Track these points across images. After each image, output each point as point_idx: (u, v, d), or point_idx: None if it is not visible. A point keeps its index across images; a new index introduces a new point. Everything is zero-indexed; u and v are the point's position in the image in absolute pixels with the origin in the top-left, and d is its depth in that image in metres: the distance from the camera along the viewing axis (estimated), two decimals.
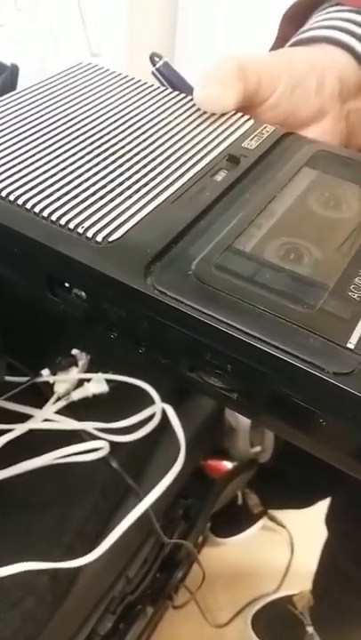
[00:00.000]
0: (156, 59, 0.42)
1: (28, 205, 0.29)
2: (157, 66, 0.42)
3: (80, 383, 0.66)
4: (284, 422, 0.27)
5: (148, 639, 0.76)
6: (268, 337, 0.24)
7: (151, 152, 0.33)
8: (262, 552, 1.17)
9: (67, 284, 0.29)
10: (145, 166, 0.32)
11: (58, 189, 0.30)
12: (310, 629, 1.04)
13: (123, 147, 0.33)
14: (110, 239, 0.28)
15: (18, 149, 0.32)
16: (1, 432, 0.61)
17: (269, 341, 0.24)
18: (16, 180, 0.30)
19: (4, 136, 0.33)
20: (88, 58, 1.51)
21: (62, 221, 0.28)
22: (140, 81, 0.39)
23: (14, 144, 0.33)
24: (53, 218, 0.28)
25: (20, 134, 0.33)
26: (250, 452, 0.87)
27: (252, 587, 1.11)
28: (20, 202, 0.29)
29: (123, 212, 0.29)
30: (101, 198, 0.30)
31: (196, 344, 0.26)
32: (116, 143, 0.33)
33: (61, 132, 0.34)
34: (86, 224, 0.28)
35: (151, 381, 0.65)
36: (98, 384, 0.66)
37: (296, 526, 1.17)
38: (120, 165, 0.32)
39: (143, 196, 0.30)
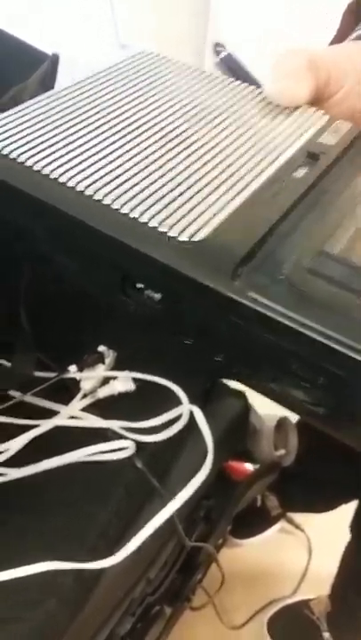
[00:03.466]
0: (220, 49, 0.40)
1: (107, 200, 0.27)
2: (221, 56, 0.41)
3: (106, 381, 0.65)
4: None
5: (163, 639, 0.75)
6: None
7: (227, 146, 0.31)
8: (280, 555, 1.16)
9: (141, 285, 0.27)
10: (222, 161, 0.30)
11: (137, 184, 0.28)
12: (326, 635, 1.02)
13: (198, 140, 0.31)
14: (195, 239, 0.26)
15: (90, 141, 0.30)
16: (27, 428, 0.61)
17: None
18: (92, 174, 0.28)
19: (78, 130, 0.31)
20: (117, 49, 1.49)
21: (143, 218, 0.26)
22: (205, 72, 0.37)
23: (87, 137, 0.31)
24: (134, 215, 0.26)
25: (92, 126, 0.32)
26: (274, 454, 0.85)
27: (269, 589, 1.09)
28: (98, 196, 0.27)
29: (205, 210, 0.27)
30: (181, 195, 0.28)
31: (284, 354, 0.24)
32: (191, 136, 0.31)
33: (134, 124, 0.32)
34: (169, 222, 0.26)
35: (178, 381, 0.64)
36: (124, 382, 0.65)
37: (314, 529, 1.16)
38: (197, 160, 0.30)
39: (224, 194, 0.28)
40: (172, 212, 0.27)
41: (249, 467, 0.94)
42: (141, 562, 0.61)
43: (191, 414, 0.63)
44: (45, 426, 0.61)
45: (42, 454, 0.58)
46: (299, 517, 1.18)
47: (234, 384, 0.75)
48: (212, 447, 0.60)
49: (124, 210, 0.27)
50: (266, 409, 0.83)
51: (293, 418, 0.88)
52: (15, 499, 0.56)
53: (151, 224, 0.26)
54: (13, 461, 0.58)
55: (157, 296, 0.27)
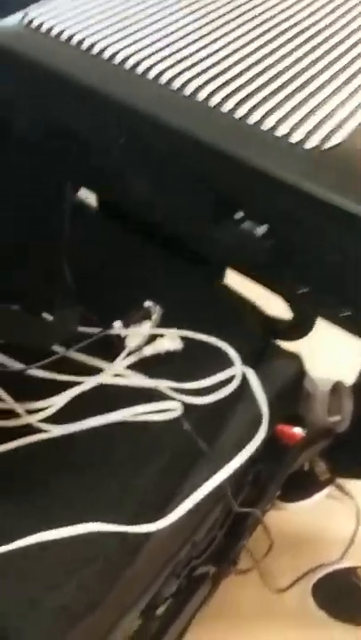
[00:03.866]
0: None
1: (201, 95, 0.20)
2: None
3: (152, 338, 0.62)
4: None
5: (207, 602, 0.74)
6: None
7: (348, 38, 0.24)
8: (327, 520, 1.13)
9: (241, 214, 0.20)
10: (346, 52, 0.23)
11: (238, 75, 0.21)
12: None
13: (319, 31, 0.24)
14: (325, 146, 0.19)
15: (187, 35, 0.24)
16: (70, 384, 0.58)
17: None
18: (178, 62, 0.22)
19: (182, 26, 0.25)
20: None
21: (252, 118, 0.19)
22: None
23: (186, 30, 0.25)
24: (239, 114, 0.19)
25: (196, 19, 0.25)
26: (327, 420, 0.80)
27: (315, 554, 1.07)
28: (187, 90, 0.20)
29: (334, 110, 0.20)
30: (300, 89, 0.21)
31: None
32: (311, 26, 0.25)
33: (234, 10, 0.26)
34: (288, 123, 0.19)
35: (229, 341, 0.60)
36: (172, 340, 0.61)
37: None
38: (316, 50, 0.23)
39: (356, 91, 0.21)
40: (292, 112, 0.20)
41: (299, 431, 0.90)
42: (188, 526, 0.59)
43: (243, 376, 0.59)
44: (89, 383, 0.58)
45: (85, 413, 0.56)
46: (348, 484, 1.14)
47: (287, 345, 0.71)
48: (267, 412, 0.56)
49: (225, 107, 0.20)
50: (320, 372, 0.78)
51: (349, 381, 0.82)
52: (57, 457, 0.54)
53: (265, 125, 0.19)
54: (56, 419, 0.56)
55: (261, 229, 0.20)
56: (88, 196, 0.77)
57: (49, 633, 0.46)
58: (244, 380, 0.60)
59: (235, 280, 0.72)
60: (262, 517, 0.74)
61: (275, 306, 0.69)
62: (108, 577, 0.49)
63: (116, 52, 0.23)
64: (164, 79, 0.21)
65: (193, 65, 0.22)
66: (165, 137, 0.20)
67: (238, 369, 0.58)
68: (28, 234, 0.41)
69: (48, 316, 0.56)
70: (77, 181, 0.35)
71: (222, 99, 0.20)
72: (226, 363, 0.59)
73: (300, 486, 1.14)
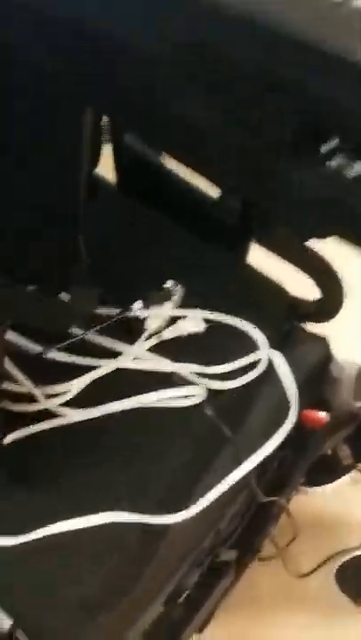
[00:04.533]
0: None
1: None
2: None
3: (174, 320, 0.59)
4: None
5: (230, 591, 0.73)
6: None
7: None
8: (350, 505, 1.10)
9: (333, 143, 0.15)
10: None
11: None
12: None
13: None
14: None
15: None
16: (88, 368, 0.56)
17: None
18: None
19: None
20: None
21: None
22: None
23: None
24: None
25: None
26: (353, 405, 0.78)
27: (337, 539, 1.05)
28: None
29: None
30: None
31: None
32: None
33: None
34: None
35: (255, 323, 0.57)
36: (194, 322, 0.58)
37: None
38: None
39: None
40: None
41: (324, 416, 0.87)
42: (211, 516, 0.57)
43: (269, 360, 0.56)
44: (108, 367, 0.56)
45: (104, 397, 0.54)
46: None
47: (313, 328, 0.68)
48: (296, 398, 0.53)
49: None
50: (346, 355, 0.75)
51: None
52: (75, 444, 0.52)
53: None
54: (73, 403, 0.54)
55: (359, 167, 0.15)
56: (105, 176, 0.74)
57: (69, 626, 0.45)
58: (270, 364, 0.57)
59: (259, 259, 0.68)
60: (287, 505, 0.72)
61: (300, 286, 0.66)
62: (129, 568, 0.47)
63: None
64: None
65: None
66: (236, 30, 0.15)
67: (265, 352, 0.55)
68: (42, 210, 0.38)
69: (65, 297, 0.54)
70: (104, 107, 0.30)
71: None
72: (251, 346, 0.57)
73: (323, 470, 1.12)
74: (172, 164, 0.71)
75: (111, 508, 0.47)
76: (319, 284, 0.63)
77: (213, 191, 0.68)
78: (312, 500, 1.11)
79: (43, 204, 0.37)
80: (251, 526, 0.68)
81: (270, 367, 0.57)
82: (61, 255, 0.43)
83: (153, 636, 0.59)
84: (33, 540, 0.46)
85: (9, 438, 0.52)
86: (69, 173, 0.34)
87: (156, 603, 0.54)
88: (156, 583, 0.52)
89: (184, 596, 0.60)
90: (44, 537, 0.46)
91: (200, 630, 0.66)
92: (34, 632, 0.44)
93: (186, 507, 0.50)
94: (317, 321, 0.67)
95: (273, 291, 0.64)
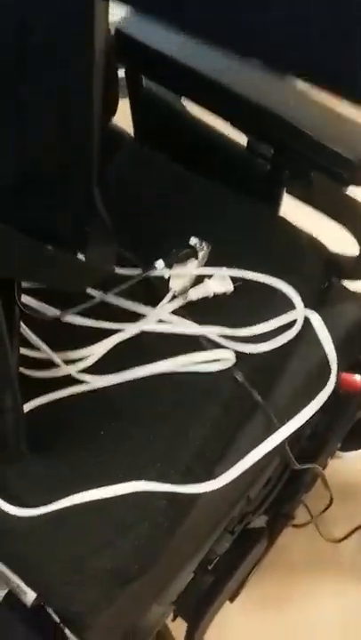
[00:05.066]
0: None
1: None
2: None
3: (199, 280, 0.55)
4: None
5: (263, 558, 0.71)
6: None
7: None
8: None
9: None
10: None
11: None
12: None
13: None
14: None
15: None
16: (109, 332, 0.53)
17: None
18: None
19: None
20: None
21: None
22: None
23: None
24: None
25: None
26: None
27: None
28: None
29: None
30: None
31: None
32: None
33: None
34: None
35: (289, 281, 0.52)
36: (221, 281, 0.54)
37: None
38: None
39: None
40: None
41: (358, 378, 0.83)
42: (242, 484, 0.54)
43: (305, 321, 0.51)
44: (130, 330, 0.52)
45: (126, 363, 0.51)
46: None
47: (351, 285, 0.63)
48: (335, 361, 0.49)
49: None
50: None
51: None
52: (98, 412, 0.50)
53: None
54: (95, 369, 0.51)
55: None
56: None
57: (99, 596, 0.43)
58: (304, 325, 0.52)
59: (292, 213, 0.63)
60: (323, 472, 0.69)
61: (338, 241, 0.61)
62: (159, 537, 0.45)
63: None
64: None
65: None
66: None
67: (300, 312, 0.50)
68: (51, 153, 0.34)
69: (82, 258, 0.50)
70: None
71: None
72: (284, 306, 0.52)
73: (357, 434, 1.08)
74: (195, 111, 0.66)
75: (138, 477, 0.45)
76: (358, 237, 0.57)
77: (241, 140, 0.63)
78: (345, 465, 1.08)
79: (51, 145, 0.33)
80: (284, 493, 0.65)
81: (305, 329, 0.53)
82: (75, 209, 0.39)
83: (184, 604, 0.57)
84: (57, 511, 0.44)
85: (29, 405, 0.50)
86: (81, 104, 0.30)
87: (187, 571, 0.52)
88: (186, 551, 0.50)
89: (214, 562, 0.58)
90: (68, 507, 0.44)
91: (231, 600, 0.65)
92: (60, 604, 0.43)
93: (216, 475, 0.47)
94: (357, 278, 0.62)
95: (308, 246, 0.58)
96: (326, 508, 0.79)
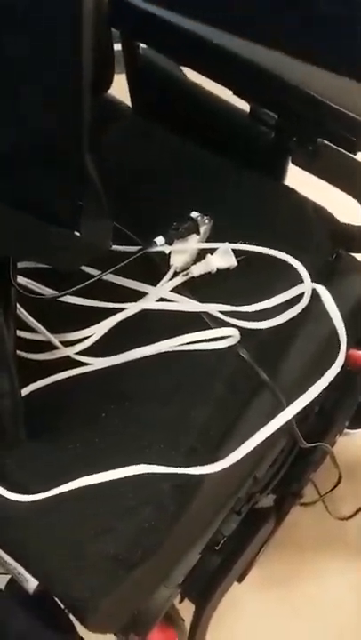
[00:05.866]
0: None
1: None
2: None
3: (202, 255, 0.53)
4: None
5: (271, 538, 0.70)
6: None
7: None
8: None
9: None
10: None
11: None
12: None
13: None
14: None
15: None
16: (110, 312, 0.51)
17: None
18: None
19: None
20: None
21: None
22: None
23: None
24: None
25: None
26: None
27: None
28: None
29: None
30: None
31: None
32: None
33: None
34: None
35: (295, 253, 0.50)
36: (223, 256, 0.52)
37: None
38: None
39: None
40: None
41: None
42: (249, 464, 0.53)
43: (312, 295, 0.49)
44: (130, 310, 0.51)
45: (127, 343, 0.49)
46: None
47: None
48: (344, 336, 0.47)
49: None
50: None
51: None
52: (100, 393, 0.48)
53: None
54: (96, 350, 0.50)
55: None
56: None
57: (100, 582, 0.42)
58: (311, 299, 0.50)
59: (298, 181, 0.60)
60: (331, 450, 0.68)
61: (346, 211, 0.58)
62: (163, 520, 0.44)
63: None
64: None
65: None
66: None
67: (307, 286, 0.48)
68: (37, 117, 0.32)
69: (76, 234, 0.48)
70: None
71: None
72: (290, 279, 0.50)
73: None
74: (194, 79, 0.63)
75: (141, 460, 0.44)
76: None
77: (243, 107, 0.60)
78: (353, 442, 1.07)
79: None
80: (292, 472, 0.64)
81: (312, 303, 0.51)
82: (66, 180, 0.37)
83: (191, 586, 0.57)
84: (58, 497, 0.42)
85: (28, 389, 0.48)
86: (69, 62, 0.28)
87: (194, 553, 0.51)
88: (192, 534, 0.49)
89: (221, 543, 0.57)
90: (69, 493, 0.43)
91: (240, 580, 0.64)
92: (63, 591, 0.42)
93: (221, 456, 0.45)
94: None
95: (315, 216, 0.56)
96: (335, 486, 0.78)
